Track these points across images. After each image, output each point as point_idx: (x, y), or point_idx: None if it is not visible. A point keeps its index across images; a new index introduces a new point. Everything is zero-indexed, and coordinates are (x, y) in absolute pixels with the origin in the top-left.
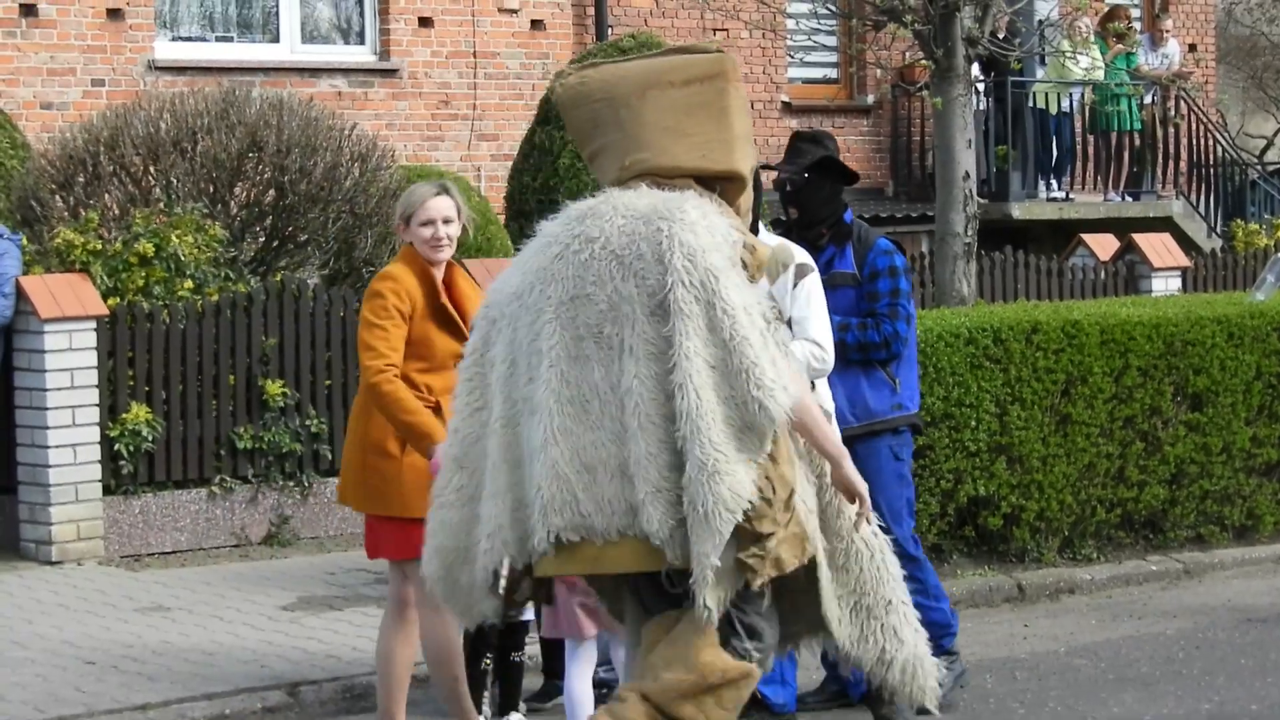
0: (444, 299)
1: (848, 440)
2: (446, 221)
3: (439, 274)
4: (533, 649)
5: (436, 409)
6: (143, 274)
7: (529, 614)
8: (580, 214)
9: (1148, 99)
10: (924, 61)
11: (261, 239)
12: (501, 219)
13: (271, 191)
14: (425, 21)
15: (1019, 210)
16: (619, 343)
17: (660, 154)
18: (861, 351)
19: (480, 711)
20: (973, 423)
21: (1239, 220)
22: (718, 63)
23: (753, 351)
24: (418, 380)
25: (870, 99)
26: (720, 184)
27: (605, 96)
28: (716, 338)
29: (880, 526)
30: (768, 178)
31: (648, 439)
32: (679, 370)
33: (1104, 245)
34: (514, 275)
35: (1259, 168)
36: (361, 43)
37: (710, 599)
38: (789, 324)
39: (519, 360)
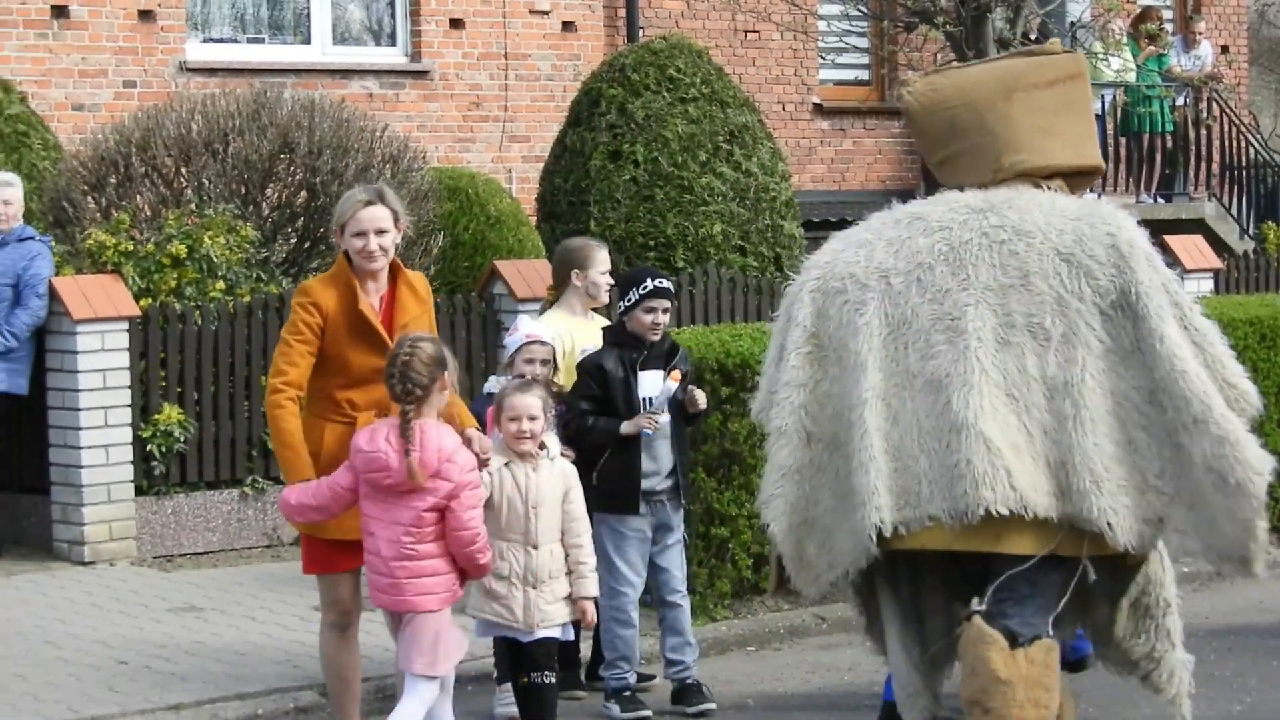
0: (365, 310)
1: None
2: (379, 232)
3: (374, 285)
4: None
5: (353, 425)
6: (175, 275)
7: (570, 633)
8: (978, 207)
9: (1180, 101)
10: (955, 64)
11: (293, 240)
12: (533, 220)
13: (303, 193)
14: (456, 23)
15: None
16: (1059, 334)
17: (1037, 154)
18: None
19: None
20: None
21: (1271, 222)
22: (1076, 62)
23: (1214, 343)
24: (338, 397)
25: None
26: (1079, 179)
27: (963, 102)
28: (1184, 333)
29: None
30: None
31: (1094, 431)
32: (1169, 362)
33: None
34: (860, 252)
35: None
36: (393, 44)
37: (1259, 566)
38: None
39: (903, 335)
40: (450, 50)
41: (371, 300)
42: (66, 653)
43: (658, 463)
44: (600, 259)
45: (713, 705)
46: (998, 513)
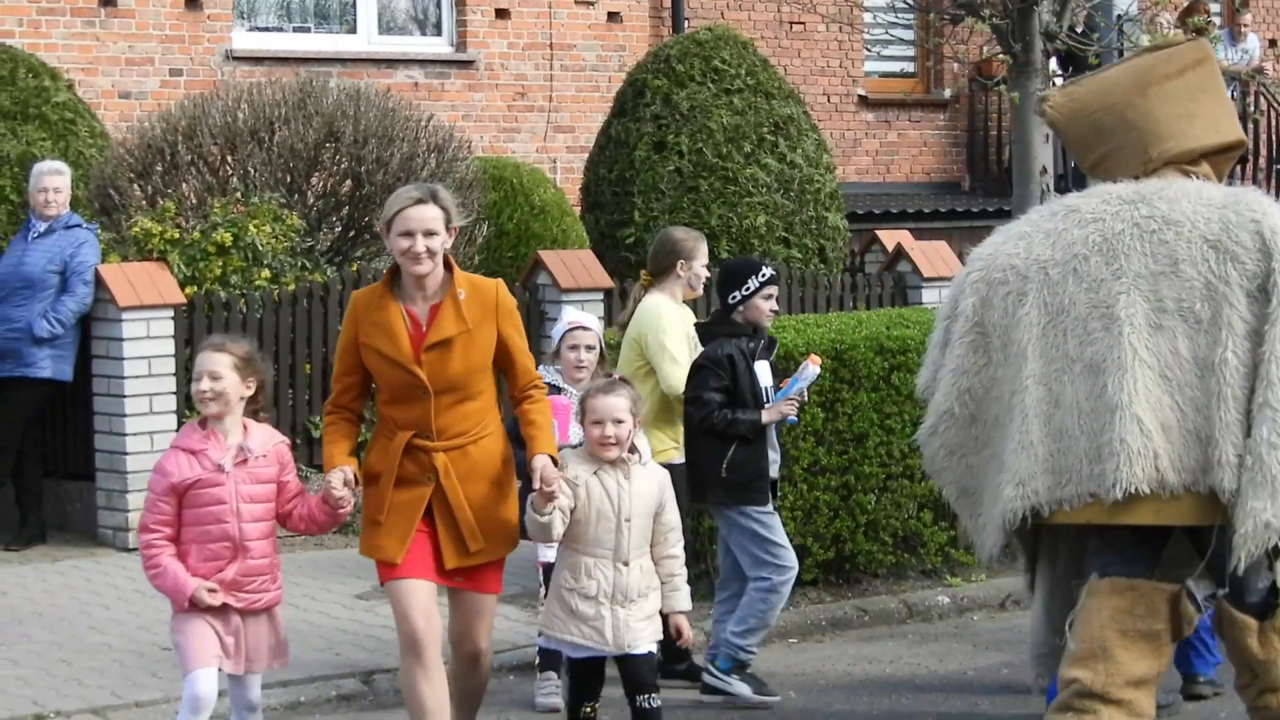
0: (392, 321)
1: None
2: (428, 234)
3: (423, 293)
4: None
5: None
6: (220, 263)
7: (652, 648)
8: (1129, 198)
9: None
10: (1001, 56)
11: (338, 229)
12: (577, 211)
13: (348, 181)
14: (502, 13)
15: None
16: (1207, 317)
17: (1181, 139)
18: None
19: None
20: None
21: None
22: (1201, 48)
23: None
24: (383, 413)
25: (947, 93)
26: (1224, 156)
27: (1102, 105)
28: None
29: None
30: None
31: (1237, 408)
32: (1274, 345)
33: None
34: (1020, 244)
35: None
36: (438, 34)
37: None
38: None
39: (1062, 323)
40: (495, 40)
41: (417, 310)
42: (110, 638)
43: (776, 451)
44: (704, 252)
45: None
46: (1145, 490)
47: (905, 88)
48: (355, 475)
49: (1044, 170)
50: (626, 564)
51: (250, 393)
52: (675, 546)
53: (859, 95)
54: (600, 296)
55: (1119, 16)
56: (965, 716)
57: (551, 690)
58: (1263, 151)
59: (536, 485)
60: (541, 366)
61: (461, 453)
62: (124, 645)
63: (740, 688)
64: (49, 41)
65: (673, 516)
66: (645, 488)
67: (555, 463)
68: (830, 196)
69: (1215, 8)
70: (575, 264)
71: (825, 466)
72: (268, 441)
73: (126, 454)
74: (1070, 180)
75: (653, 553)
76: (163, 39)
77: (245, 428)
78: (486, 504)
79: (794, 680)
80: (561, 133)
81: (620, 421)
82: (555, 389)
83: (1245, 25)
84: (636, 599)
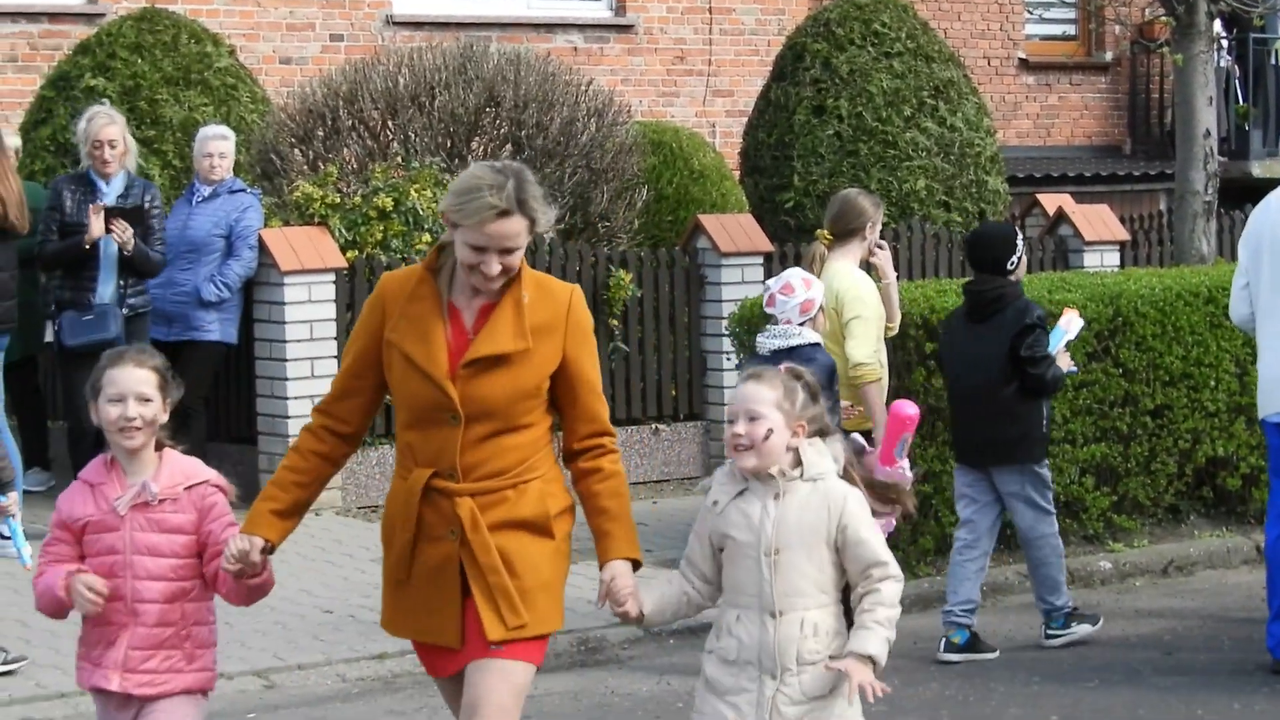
0: (427, 317)
1: None
2: (505, 252)
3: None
4: None
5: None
6: (381, 227)
7: None
8: None
9: None
10: (1164, 18)
11: None
12: (736, 175)
13: (508, 146)
14: None
15: (1259, 168)
16: None
17: None
18: None
19: None
20: (1212, 382)
21: None
22: None
23: None
24: (402, 441)
25: (1109, 56)
26: None
27: None
28: None
29: None
30: None
31: None
32: None
33: None
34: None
35: None
36: None
37: None
38: None
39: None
40: (655, 4)
41: (463, 308)
42: (272, 601)
43: None
44: (881, 218)
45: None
46: None
47: (1066, 50)
48: (269, 548)
49: (1208, 134)
50: (775, 615)
51: (166, 418)
52: (882, 583)
53: (1019, 58)
54: (760, 260)
55: None
56: (1124, 684)
57: None
58: None
59: (600, 602)
60: (760, 335)
61: (497, 498)
62: (285, 609)
63: (1080, 630)
64: (210, 8)
65: (865, 548)
66: (803, 513)
67: (637, 567)
68: (991, 160)
69: None
70: (735, 228)
71: None
72: (182, 480)
73: (289, 418)
74: (1234, 142)
75: (852, 596)
76: (324, 5)
77: (161, 459)
78: (531, 564)
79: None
80: (720, 97)
81: (757, 418)
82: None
83: None
84: (795, 669)
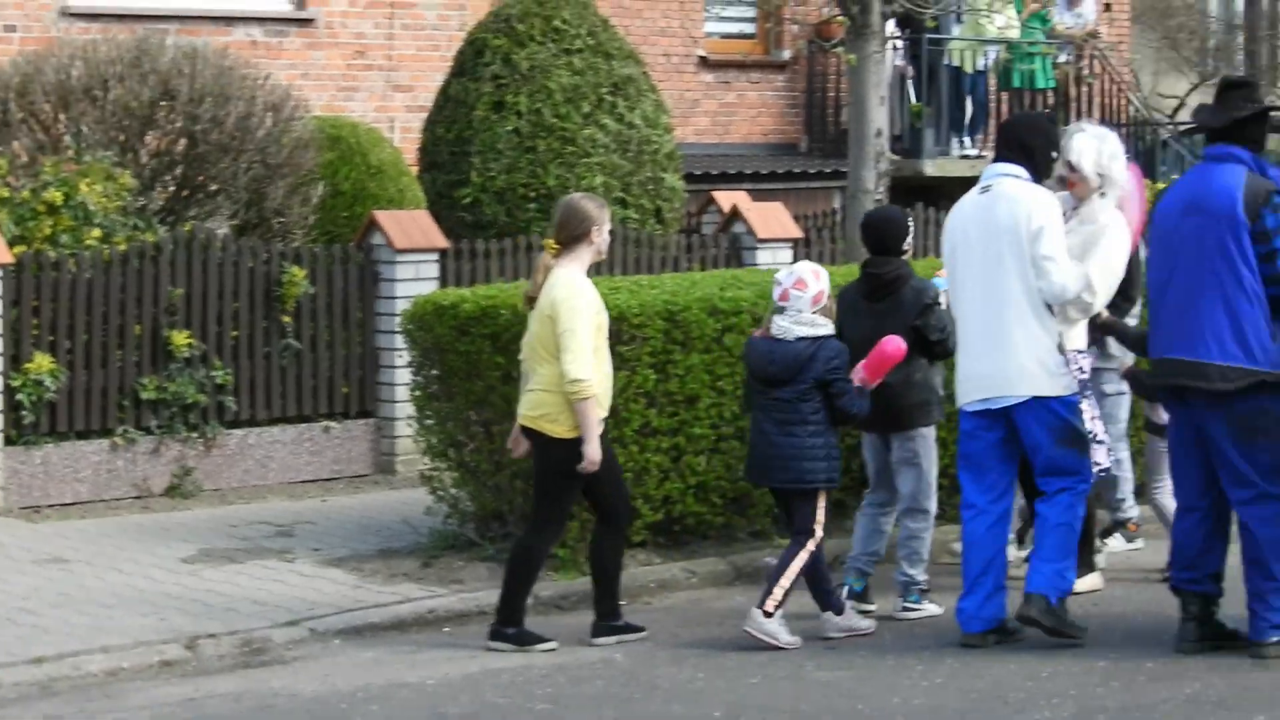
0: None
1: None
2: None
3: None
4: None
5: None
6: (50, 222)
7: None
8: None
9: (1062, 58)
10: (840, 18)
11: (172, 188)
12: (414, 171)
13: (183, 140)
14: None
15: (932, 167)
16: None
17: None
18: None
19: None
20: None
21: (1149, 180)
22: None
23: None
24: None
25: (786, 54)
26: None
27: None
28: None
29: None
30: None
31: None
32: None
33: None
34: None
35: (1170, 127)
36: None
37: None
38: None
39: None
40: None
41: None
42: None
43: None
44: (609, 217)
45: None
46: None
47: (745, 49)
48: None
49: (879, 132)
50: None
51: None
52: None
53: (699, 56)
54: (435, 257)
55: None
56: (791, 678)
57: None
58: (1096, 115)
59: None
60: None
61: None
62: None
63: (929, 608)
64: None
65: None
66: None
67: None
68: (668, 157)
69: None
70: (410, 224)
71: (656, 428)
72: None
73: None
74: (907, 141)
75: None
76: None
77: None
78: None
79: (621, 644)
80: (400, 92)
81: None
82: None
83: None
84: None
